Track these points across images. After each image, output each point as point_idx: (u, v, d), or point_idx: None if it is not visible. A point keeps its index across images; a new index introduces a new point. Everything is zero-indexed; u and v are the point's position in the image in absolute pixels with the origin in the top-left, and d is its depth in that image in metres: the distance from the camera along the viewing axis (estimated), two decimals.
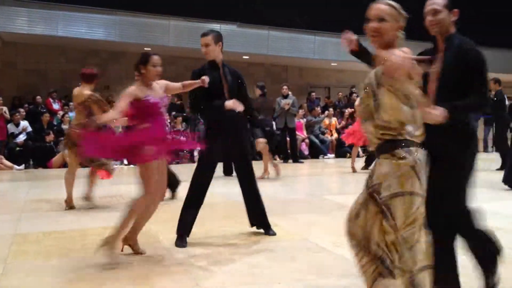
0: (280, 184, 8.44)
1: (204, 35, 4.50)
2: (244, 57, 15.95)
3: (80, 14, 14.26)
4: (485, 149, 15.26)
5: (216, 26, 14.95)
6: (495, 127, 11.01)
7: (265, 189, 7.92)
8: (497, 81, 11.06)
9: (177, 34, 14.99)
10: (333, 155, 14.07)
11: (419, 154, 2.39)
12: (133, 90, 4.02)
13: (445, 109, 2.73)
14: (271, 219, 5.43)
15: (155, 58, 4.10)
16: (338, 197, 7.00)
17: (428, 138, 2.66)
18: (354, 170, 10.01)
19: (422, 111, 2.55)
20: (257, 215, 4.80)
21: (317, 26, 16.25)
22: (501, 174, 8.16)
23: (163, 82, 4.29)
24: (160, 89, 4.19)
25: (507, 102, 11.26)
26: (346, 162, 12.24)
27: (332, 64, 17.26)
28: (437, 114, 2.69)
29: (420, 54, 3.07)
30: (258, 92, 10.51)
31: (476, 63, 2.90)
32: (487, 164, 10.97)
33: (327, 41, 16.46)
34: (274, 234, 4.76)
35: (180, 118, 13.35)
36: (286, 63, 17.30)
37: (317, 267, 3.81)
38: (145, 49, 15.60)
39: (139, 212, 4.01)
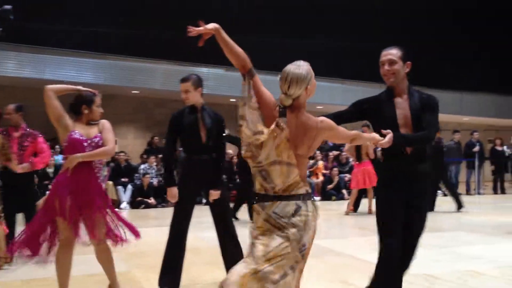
0: None
1: (183, 80, 4.45)
2: (231, 100, 16.14)
3: (69, 58, 14.43)
4: (468, 192, 15.41)
5: (203, 70, 15.21)
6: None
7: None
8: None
9: (165, 77, 15.19)
10: (319, 198, 14.12)
11: None
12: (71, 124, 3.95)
13: (394, 136, 3.06)
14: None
15: (99, 99, 4.06)
16: (324, 241, 7.00)
17: None
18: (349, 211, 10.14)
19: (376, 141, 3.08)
20: (234, 261, 4.68)
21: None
22: (480, 217, 8.22)
23: (106, 125, 4.11)
24: (97, 130, 4.04)
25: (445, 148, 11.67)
26: (331, 205, 12.30)
27: (318, 107, 17.52)
28: (385, 141, 3.06)
29: (375, 98, 3.50)
30: None
31: (435, 104, 3.33)
32: (469, 207, 11.08)
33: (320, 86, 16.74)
34: None
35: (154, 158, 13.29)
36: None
37: None
38: (133, 92, 15.78)
39: None
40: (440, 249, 6.32)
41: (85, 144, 3.89)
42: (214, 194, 4.46)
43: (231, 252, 4.65)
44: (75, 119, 4.02)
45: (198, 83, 4.47)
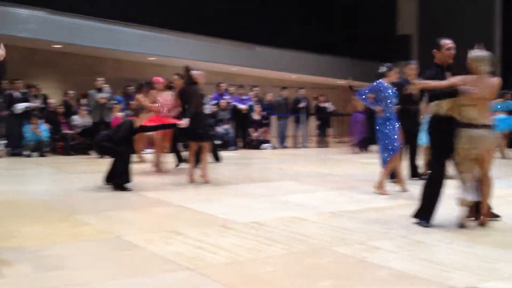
0: (92, 180, 7.97)
1: None
2: (56, 46, 14.90)
3: None
4: (295, 145, 16.34)
5: (25, 12, 13.73)
6: None
7: (73, 183, 7.50)
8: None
9: None
10: (152, 150, 13.85)
11: None
12: None
13: None
14: (80, 217, 5.15)
15: None
16: (154, 193, 6.87)
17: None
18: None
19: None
20: None
21: (138, 19, 15.90)
22: (304, 168, 8.68)
23: None
24: None
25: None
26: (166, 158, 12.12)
27: (150, 58, 17.02)
28: None
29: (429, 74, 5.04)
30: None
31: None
32: (296, 159, 11.70)
33: (146, 35, 16.18)
34: None
35: None
36: (101, 54, 16.57)
37: (129, 265, 3.66)
38: None
39: None
40: (265, 198, 6.57)
41: None
42: None
43: None
44: None
45: None
